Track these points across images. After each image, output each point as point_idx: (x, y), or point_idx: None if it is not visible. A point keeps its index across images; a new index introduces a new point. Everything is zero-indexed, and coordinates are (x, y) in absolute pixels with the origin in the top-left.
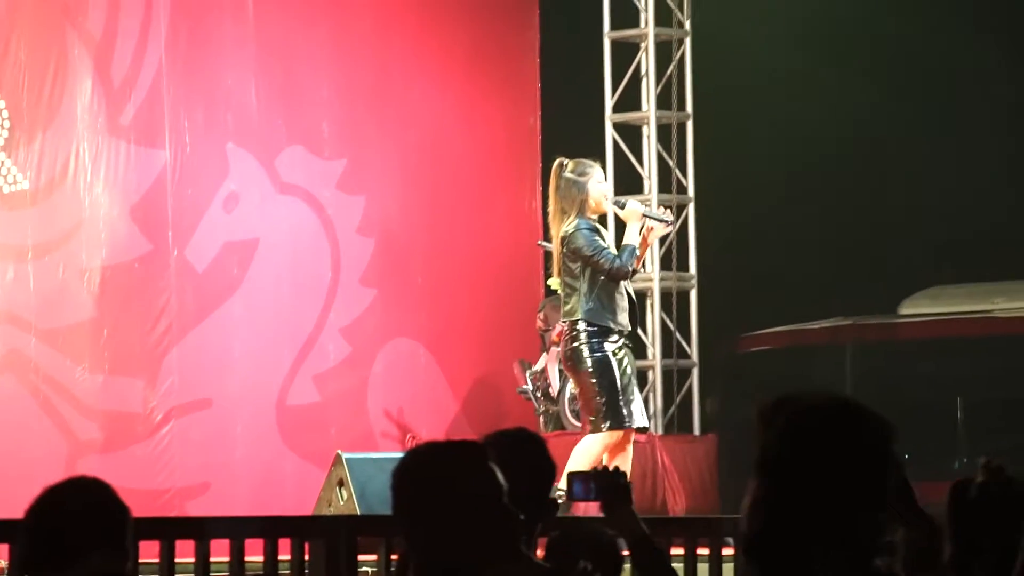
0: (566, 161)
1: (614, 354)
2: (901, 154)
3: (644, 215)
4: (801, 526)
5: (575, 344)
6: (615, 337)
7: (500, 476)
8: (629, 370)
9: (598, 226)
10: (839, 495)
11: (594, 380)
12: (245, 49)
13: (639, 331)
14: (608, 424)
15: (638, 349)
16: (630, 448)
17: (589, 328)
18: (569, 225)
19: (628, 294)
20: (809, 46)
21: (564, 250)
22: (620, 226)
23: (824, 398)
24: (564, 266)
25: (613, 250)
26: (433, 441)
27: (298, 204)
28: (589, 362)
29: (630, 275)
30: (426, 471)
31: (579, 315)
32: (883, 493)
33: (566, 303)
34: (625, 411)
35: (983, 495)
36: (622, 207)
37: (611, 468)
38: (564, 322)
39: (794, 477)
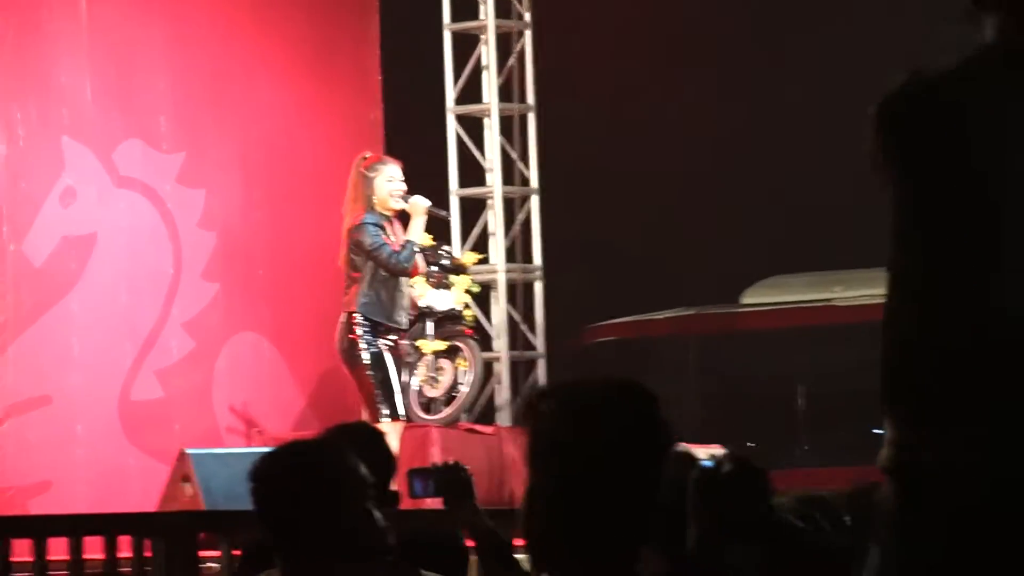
0: (367, 155)
1: (390, 349)
2: (737, 146)
3: (428, 210)
4: (581, 514)
5: (350, 336)
6: (390, 334)
7: (364, 472)
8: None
9: (384, 224)
10: (614, 476)
11: (370, 373)
12: (78, 42)
13: (485, 324)
14: (387, 415)
15: (484, 342)
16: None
17: (364, 322)
18: (356, 219)
19: (407, 290)
20: (649, 38)
21: (349, 243)
22: (465, 219)
23: (590, 380)
24: (348, 258)
25: (395, 247)
26: (295, 441)
27: (137, 198)
28: (365, 356)
29: (408, 271)
30: (289, 473)
31: (354, 307)
32: (657, 474)
33: (345, 294)
34: (400, 403)
35: (729, 479)
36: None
37: (444, 462)
38: (342, 313)
39: (568, 462)
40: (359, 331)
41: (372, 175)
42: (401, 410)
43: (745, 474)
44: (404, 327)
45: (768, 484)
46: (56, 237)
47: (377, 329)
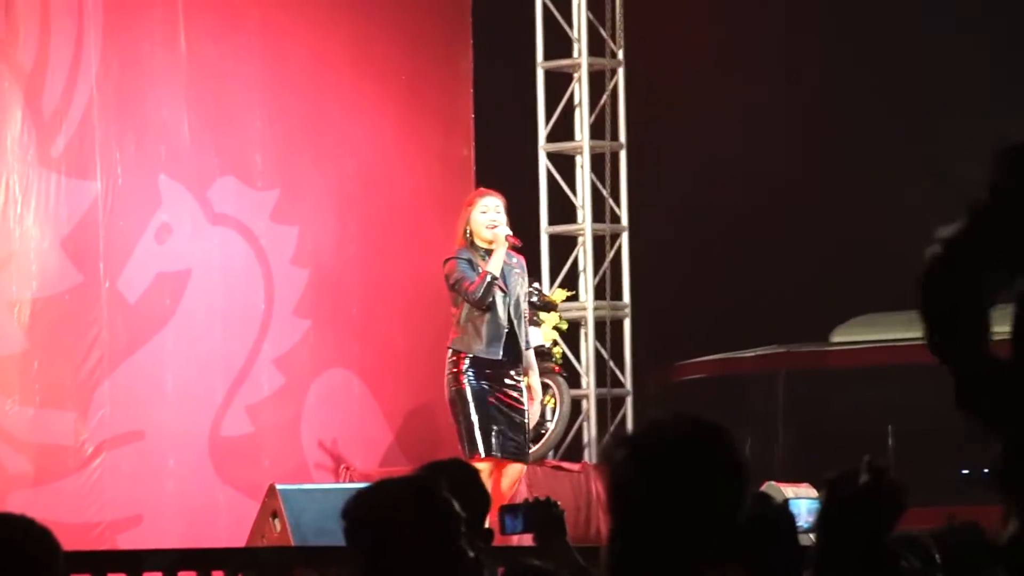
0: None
1: (485, 385)
2: (831, 183)
3: (506, 237)
4: (658, 558)
5: (447, 373)
6: (485, 367)
7: (458, 510)
8: (501, 400)
9: (478, 257)
10: (691, 517)
11: (454, 409)
12: (177, 80)
13: (573, 361)
14: (467, 454)
15: (572, 378)
16: (512, 475)
17: (454, 358)
18: (451, 252)
19: (502, 322)
20: (742, 77)
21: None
22: (555, 256)
23: (665, 423)
24: (450, 295)
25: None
26: (388, 479)
27: (231, 235)
28: (450, 391)
29: (483, 303)
30: (384, 512)
31: (449, 343)
32: (735, 509)
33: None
34: (483, 442)
35: (866, 493)
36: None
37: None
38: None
39: (645, 505)
40: (449, 367)
41: (470, 208)
42: (482, 449)
43: (883, 488)
44: (500, 358)
45: (904, 504)
46: (151, 273)
47: (472, 363)
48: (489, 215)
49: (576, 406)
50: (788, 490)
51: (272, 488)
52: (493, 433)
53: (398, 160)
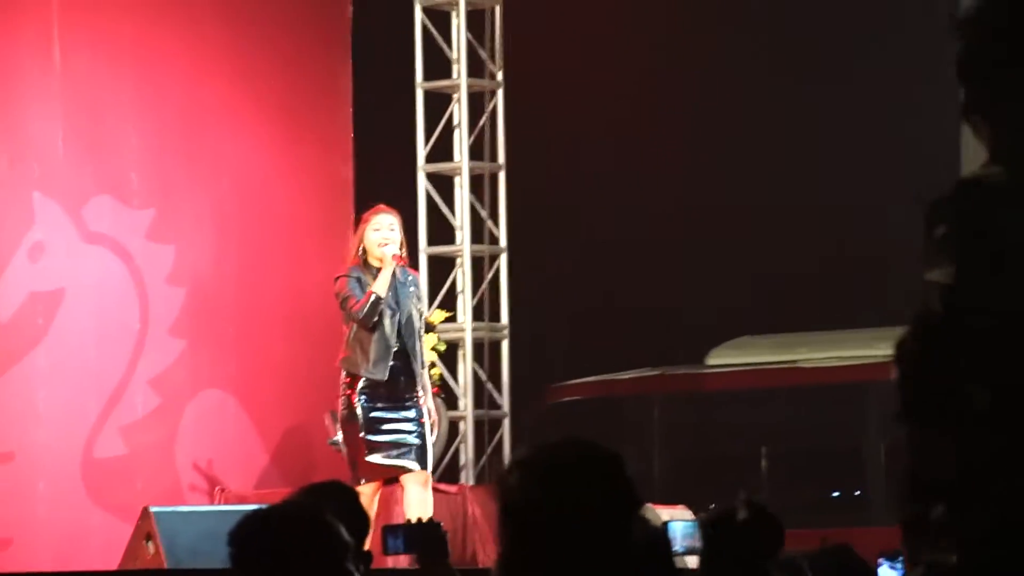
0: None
1: (378, 406)
2: (706, 208)
3: (392, 256)
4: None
5: (340, 395)
6: (378, 388)
7: (345, 535)
8: (387, 421)
9: (369, 275)
10: (583, 540)
11: (347, 431)
12: (51, 96)
13: (451, 382)
14: (356, 476)
15: (450, 400)
16: (419, 497)
17: (347, 379)
18: (343, 272)
19: (390, 342)
20: (618, 100)
21: None
22: (433, 277)
23: (553, 447)
24: (341, 313)
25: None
26: (275, 504)
27: (105, 253)
28: (343, 413)
29: (365, 322)
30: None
31: (340, 362)
32: (627, 533)
33: None
34: (370, 465)
35: (744, 529)
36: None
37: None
38: None
39: (536, 529)
40: (345, 388)
41: (364, 225)
42: (370, 471)
43: (761, 521)
44: (383, 379)
45: (781, 535)
46: (24, 292)
47: (365, 386)
48: (382, 233)
49: (454, 428)
50: (665, 512)
51: (146, 510)
52: (382, 456)
53: (276, 179)
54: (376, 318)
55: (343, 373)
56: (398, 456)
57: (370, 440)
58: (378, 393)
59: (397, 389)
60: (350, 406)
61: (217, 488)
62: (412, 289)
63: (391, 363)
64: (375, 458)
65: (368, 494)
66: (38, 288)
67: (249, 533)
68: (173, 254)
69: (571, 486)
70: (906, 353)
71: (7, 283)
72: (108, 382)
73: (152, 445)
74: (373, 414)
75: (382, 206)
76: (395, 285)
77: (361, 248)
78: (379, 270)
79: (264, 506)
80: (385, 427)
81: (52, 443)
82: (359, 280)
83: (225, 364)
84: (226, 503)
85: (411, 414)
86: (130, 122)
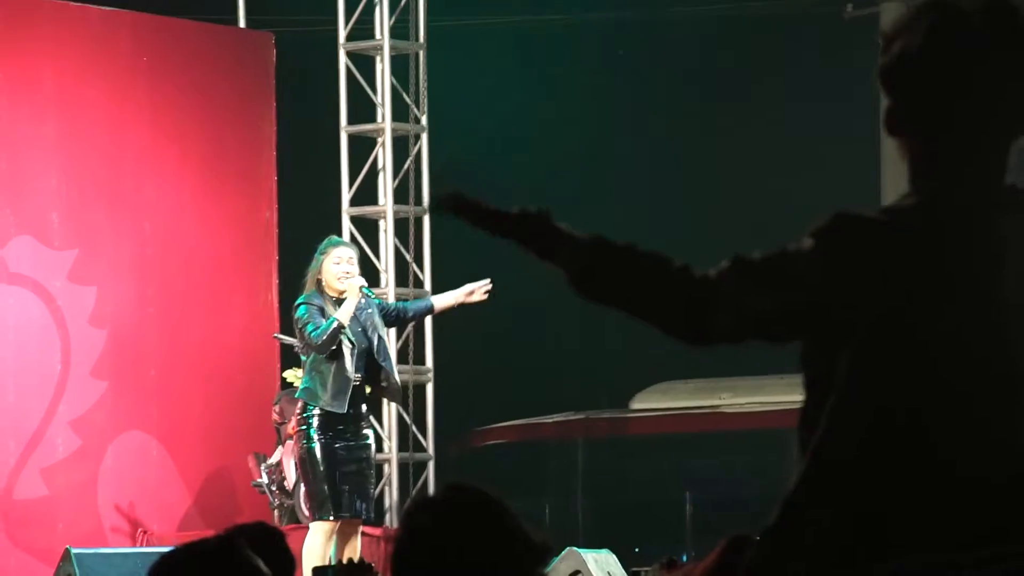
0: (332, 237)
1: (336, 442)
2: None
3: (361, 289)
4: None
5: (297, 428)
6: (336, 422)
7: (264, 569)
8: (347, 456)
9: (328, 305)
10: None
11: (304, 468)
12: None
13: (376, 425)
14: (313, 515)
15: (375, 442)
16: (356, 539)
17: (303, 413)
18: (300, 298)
19: (349, 375)
20: (543, 142)
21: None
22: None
23: (436, 495)
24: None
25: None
26: (194, 541)
27: (26, 294)
28: (300, 449)
29: (322, 348)
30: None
31: (298, 392)
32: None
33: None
34: (332, 503)
35: None
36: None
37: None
38: None
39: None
40: (301, 423)
41: (322, 256)
42: (332, 510)
43: None
44: (341, 411)
45: None
46: None
47: (321, 421)
48: (342, 266)
49: (379, 470)
50: (589, 556)
51: (67, 551)
52: (344, 494)
53: (198, 221)
54: (334, 346)
55: (299, 404)
56: (359, 501)
57: (331, 474)
58: (335, 428)
59: (353, 423)
60: (308, 442)
61: (139, 530)
62: (370, 311)
63: (349, 396)
64: (340, 500)
65: (329, 533)
66: None
67: (167, 569)
68: (95, 295)
69: (446, 536)
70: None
71: None
72: (28, 423)
73: (73, 486)
74: (333, 452)
75: (338, 238)
76: (355, 315)
77: (319, 279)
78: (336, 300)
79: (184, 544)
80: (343, 465)
81: None
82: (321, 309)
83: (147, 406)
84: (148, 545)
85: (365, 452)
86: (51, 163)
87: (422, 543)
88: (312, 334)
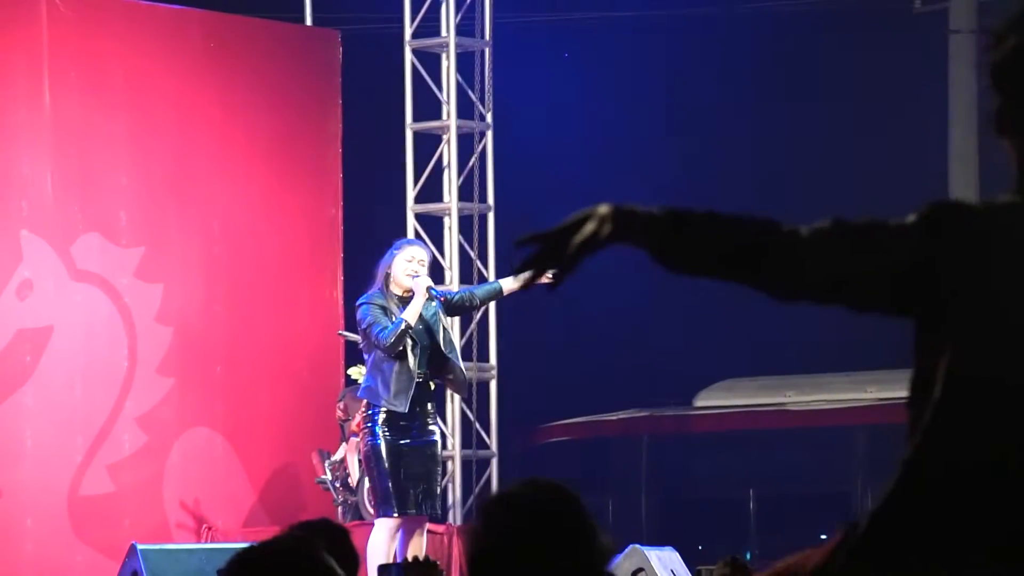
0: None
1: (401, 439)
2: None
3: (429, 289)
4: None
5: (362, 425)
6: (400, 419)
7: (339, 572)
8: (412, 453)
9: (393, 303)
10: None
11: (368, 464)
12: (41, 135)
13: (440, 422)
14: (378, 512)
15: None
16: (421, 537)
17: (368, 411)
18: (361, 297)
19: (413, 374)
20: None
21: None
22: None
23: (516, 490)
24: (361, 338)
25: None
26: (267, 541)
27: (94, 291)
28: (365, 447)
29: (389, 348)
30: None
31: (360, 391)
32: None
33: None
34: (397, 500)
35: None
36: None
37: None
38: None
39: (498, 572)
40: (366, 421)
41: (396, 252)
42: (396, 506)
43: None
44: (403, 410)
45: None
46: (11, 330)
47: (386, 418)
48: (413, 265)
49: (443, 468)
50: (652, 554)
51: (132, 548)
52: (408, 490)
53: (265, 218)
54: (401, 347)
55: (364, 402)
56: (425, 498)
57: (395, 471)
58: (399, 426)
59: (417, 420)
60: (373, 440)
61: (204, 526)
62: (436, 310)
63: (412, 394)
64: (406, 497)
65: (394, 529)
66: (26, 325)
67: (241, 570)
68: (161, 293)
69: (524, 530)
70: None
71: None
72: (95, 419)
73: (139, 483)
74: (398, 449)
75: (414, 239)
76: (427, 316)
77: (388, 274)
78: (400, 299)
79: (255, 543)
80: (409, 462)
81: (39, 481)
82: (383, 308)
83: (213, 402)
84: (213, 541)
85: (431, 449)
86: (119, 161)
87: (502, 538)
88: (380, 335)
